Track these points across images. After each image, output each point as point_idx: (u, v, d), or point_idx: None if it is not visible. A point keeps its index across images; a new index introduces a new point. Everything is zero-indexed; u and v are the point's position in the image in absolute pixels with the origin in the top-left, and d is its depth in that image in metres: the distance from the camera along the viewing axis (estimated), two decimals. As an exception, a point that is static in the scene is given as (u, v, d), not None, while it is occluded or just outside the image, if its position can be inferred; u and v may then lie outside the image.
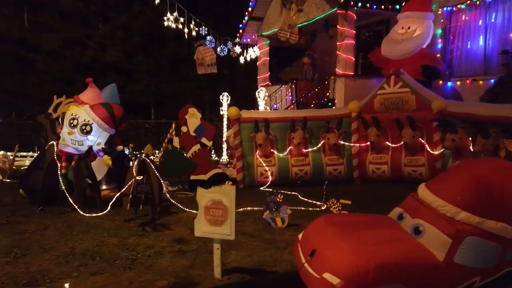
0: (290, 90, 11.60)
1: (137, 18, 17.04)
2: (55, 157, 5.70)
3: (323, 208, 5.97)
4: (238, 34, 13.49)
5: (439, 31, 9.96)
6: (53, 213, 5.56)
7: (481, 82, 9.17)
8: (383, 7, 9.93)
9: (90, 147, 5.71)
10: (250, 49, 11.99)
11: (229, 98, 10.86)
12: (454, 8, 9.87)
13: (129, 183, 5.17)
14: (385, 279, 2.54)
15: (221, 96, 10.92)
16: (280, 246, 4.23)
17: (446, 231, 2.67)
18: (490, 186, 2.71)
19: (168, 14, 9.59)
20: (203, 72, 13.14)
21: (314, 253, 2.79)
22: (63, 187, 5.65)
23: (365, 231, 2.88)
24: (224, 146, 10.76)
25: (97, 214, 5.40)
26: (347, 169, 8.24)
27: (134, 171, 5.27)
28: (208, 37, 11.00)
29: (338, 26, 10.03)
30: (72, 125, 5.62)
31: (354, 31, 10.11)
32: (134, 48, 16.81)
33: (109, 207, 5.37)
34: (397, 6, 9.94)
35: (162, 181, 5.69)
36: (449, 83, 9.79)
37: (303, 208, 5.98)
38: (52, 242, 4.35)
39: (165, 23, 9.73)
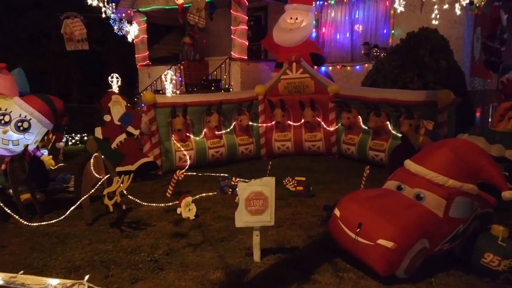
0: (179, 71, 11.53)
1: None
2: (-25, 161, 4.70)
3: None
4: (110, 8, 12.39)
5: (314, 22, 11.45)
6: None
7: (348, 68, 11.10)
8: (274, -4, 10.81)
9: (26, 146, 4.89)
10: (133, 26, 11.26)
11: (119, 79, 10.19)
12: (325, 3, 11.48)
13: (93, 184, 4.75)
14: (419, 236, 3.40)
15: (109, 78, 10.14)
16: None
17: (442, 195, 3.68)
18: (464, 160, 3.83)
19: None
20: (73, 49, 11.78)
21: (360, 226, 3.45)
22: (-6, 196, 4.74)
23: (389, 202, 3.68)
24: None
25: (48, 222, 4.78)
26: (256, 147, 9.01)
27: (93, 170, 4.85)
28: (112, 16, 9.86)
29: (232, 11, 10.45)
30: (2, 122, 4.68)
31: (247, 17, 10.71)
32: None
33: (68, 212, 4.81)
34: (284, -3, 10.96)
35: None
36: (323, 68, 11.45)
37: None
38: (36, 260, 3.81)
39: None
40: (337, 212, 3.76)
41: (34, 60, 13.03)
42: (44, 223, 4.77)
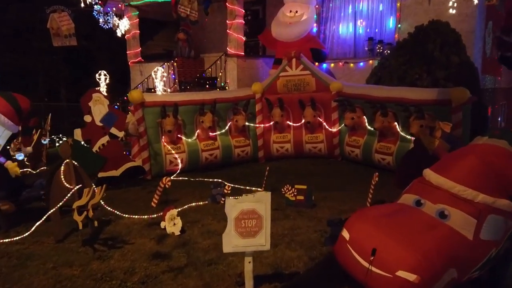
0: (172, 68, 10.90)
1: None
2: None
3: (263, 193, 5.98)
4: (100, 1, 11.76)
5: (315, 16, 10.82)
6: None
7: (351, 64, 10.46)
8: (271, -12, 10.17)
9: (-13, 152, 4.28)
10: (123, 20, 10.64)
11: (107, 77, 9.56)
12: (326, -4, 10.85)
13: (63, 195, 4.13)
14: (446, 265, 2.78)
15: (97, 75, 9.52)
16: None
17: (471, 213, 3.06)
18: (494, 169, 3.21)
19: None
20: (60, 44, 11.14)
21: (375, 253, 2.83)
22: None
23: (407, 221, 3.06)
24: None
25: (12, 239, 4.17)
26: (253, 149, 8.40)
27: (63, 179, 4.23)
28: (96, 7, 9.23)
29: (227, 4, 9.83)
30: (-42, 124, 4.07)
31: (244, 11, 10.09)
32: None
33: (34, 228, 4.19)
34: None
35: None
36: (324, 65, 10.82)
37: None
38: (-14, 290, 3.20)
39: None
40: (345, 233, 3.13)
41: (19, 57, 12.37)
42: (7, 240, 4.16)
